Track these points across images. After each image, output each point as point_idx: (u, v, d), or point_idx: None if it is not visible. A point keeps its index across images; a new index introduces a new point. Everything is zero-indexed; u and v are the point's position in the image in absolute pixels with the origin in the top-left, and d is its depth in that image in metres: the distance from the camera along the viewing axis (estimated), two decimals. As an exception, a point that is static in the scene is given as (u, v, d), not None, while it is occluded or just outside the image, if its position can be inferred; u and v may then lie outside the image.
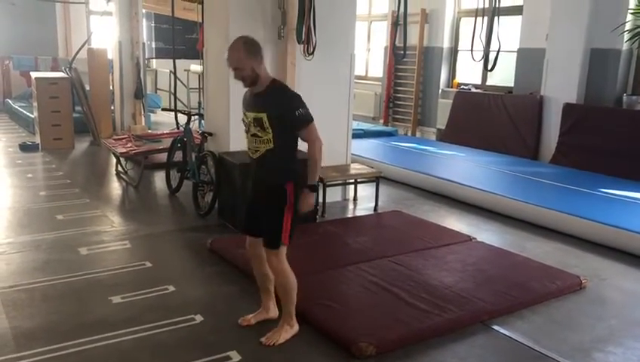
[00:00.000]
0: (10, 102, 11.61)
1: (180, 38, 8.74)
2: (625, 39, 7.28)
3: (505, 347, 3.30)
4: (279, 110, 3.08)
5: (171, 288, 3.88)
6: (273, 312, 3.43)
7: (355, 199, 6.31)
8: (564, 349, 3.26)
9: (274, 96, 3.12)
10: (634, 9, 7.11)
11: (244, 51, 3.05)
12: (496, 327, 3.47)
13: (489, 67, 5.53)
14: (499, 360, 3.18)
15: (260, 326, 3.35)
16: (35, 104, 8.88)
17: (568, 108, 7.73)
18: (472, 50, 5.50)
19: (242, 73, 3.08)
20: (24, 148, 8.40)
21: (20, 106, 10.89)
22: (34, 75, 9.18)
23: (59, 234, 4.90)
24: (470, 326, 3.45)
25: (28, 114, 10.05)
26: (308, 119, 3.11)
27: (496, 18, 6.05)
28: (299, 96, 3.19)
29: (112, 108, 9.86)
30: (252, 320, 3.40)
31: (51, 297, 3.72)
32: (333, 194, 6.01)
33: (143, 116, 9.76)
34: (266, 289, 3.41)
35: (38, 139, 8.62)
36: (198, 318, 3.46)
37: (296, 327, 3.27)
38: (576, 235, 5.16)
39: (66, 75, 8.96)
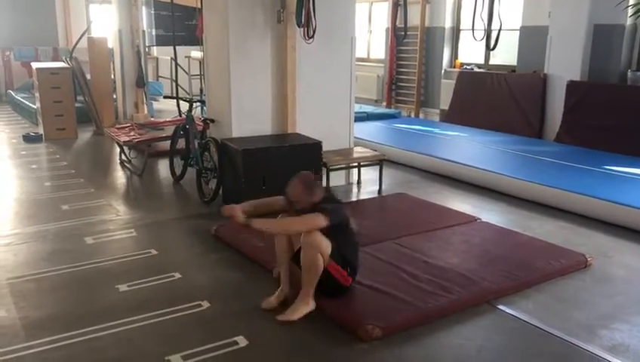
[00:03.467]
0: (12, 93, 11.61)
1: (179, 25, 8.69)
2: (629, 14, 7.20)
3: (510, 326, 3.31)
4: None
5: (177, 275, 3.90)
6: (291, 293, 3.45)
7: (359, 182, 6.31)
8: (569, 327, 3.27)
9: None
10: (638, -17, 7.02)
11: (303, 192, 3.34)
12: (501, 307, 3.48)
13: (491, 46, 5.47)
14: (505, 340, 3.19)
15: (268, 311, 3.37)
16: (36, 95, 8.87)
17: (572, 86, 7.67)
18: (472, 30, 5.44)
19: (300, 205, 3.34)
20: (28, 139, 8.42)
21: (22, 97, 10.89)
22: (35, 65, 9.16)
23: (65, 224, 4.92)
24: (476, 307, 3.46)
25: (30, 105, 10.05)
26: (320, 210, 3.24)
27: (497, -4, 5.98)
28: (338, 205, 3.51)
29: (114, 97, 9.86)
30: (275, 302, 3.42)
31: (59, 287, 3.75)
32: (336, 178, 6.01)
33: (145, 104, 9.75)
34: (287, 268, 3.46)
35: (41, 130, 8.63)
36: (205, 304, 3.48)
37: (312, 304, 3.31)
38: (581, 213, 5.15)
39: (67, 65, 8.95)
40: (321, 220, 3.18)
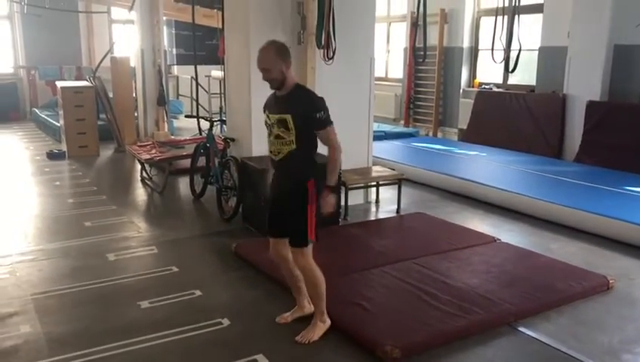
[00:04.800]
0: (36, 111, 11.86)
1: (200, 45, 8.83)
2: (649, 35, 7.17)
3: (531, 349, 3.28)
4: (303, 110, 3.17)
5: (198, 292, 3.94)
6: (308, 309, 3.49)
7: (377, 201, 6.32)
8: (591, 351, 3.23)
9: (298, 98, 3.23)
10: (658, 4, 7.01)
11: (275, 53, 3.19)
12: (522, 329, 3.46)
13: (510, 68, 5.48)
14: (525, 362, 3.17)
15: (288, 329, 3.39)
16: (60, 112, 9.06)
17: (592, 106, 7.64)
18: (492, 51, 5.47)
19: (271, 75, 3.20)
20: (51, 156, 8.58)
21: (46, 115, 11.11)
22: (59, 84, 9.37)
23: (87, 241, 5.00)
24: (496, 328, 3.44)
25: (54, 122, 10.25)
26: (328, 122, 3.21)
27: (516, 17, 6.01)
28: (322, 99, 3.28)
29: (136, 115, 10.01)
30: (289, 318, 3.48)
31: (81, 303, 3.81)
32: (355, 197, 6.03)
33: (165, 122, 9.89)
34: (298, 288, 3.48)
35: (64, 147, 8.79)
36: (225, 322, 3.51)
37: (328, 322, 3.34)
38: (602, 235, 5.10)
39: (90, 84, 9.13)
40: (334, 129, 3.21)
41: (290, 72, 3.25)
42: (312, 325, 3.33)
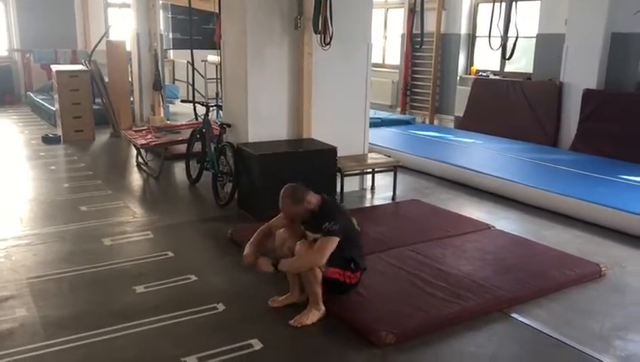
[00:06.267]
0: (31, 94, 11.79)
1: (196, 29, 8.78)
2: (647, 23, 7.17)
3: (524, 335, 3.32)
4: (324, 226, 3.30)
5: (193, 277, 3.96)
6: (300, 298, 3.51)
7: (372, 188, 6.33)
8: (583, 337, 3.27)
9: (323, 218, 3.32)
10: (656, -8, 6.99)
11: (292, 203, 3.36)
12: (515, 315, 3.49)
13: (507, 56, 5.48)
14: (518, 348, 3.21)
15: (283, 314, 3.41)
16: (55, 96, 9.01)
17: (588, 94, 7.65)
18: (489, 38, 5.46)
19: (301, 217, 3.42)
20: (46, 140, 8.55)
21: (41, 99, 11.04)
22: (55, 68, 9.29)
23: (83, 226, 5.00)
24: (489, 315, 3.47)
25: (49, 106, 10.20)
26: (332, 233, 3.26)
27: (514, 4, 5.99)
28: (341, 212, 3.50)
29: (131, 99, 9.96)
30: (281, 303, 3.52)
31: (77, 287, 3.82)
32: (350, 184, 6.04)
33: (161, 107, 9.85)
34: (293, 275, 3.50)
35: (59, 132, 8.76)
36: (220, 307, 3.53)
37: (323, 309, 3.37)
38: (596, 223, 5.14)
39: (85, 68, 9.08)
40: (334, 241, 3.26)
41: (310, 199, 3.37)
42: (307, 310, 3.36)
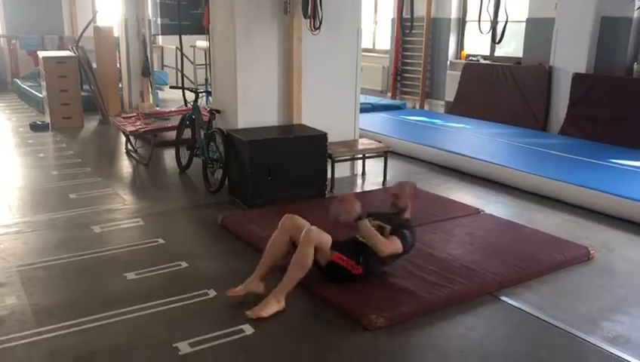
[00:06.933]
0: (18, 81, 11.65)
1: (185, 14, 8.69)
2: (636, 7, 7.18)
3: (513, 317, 3.36)
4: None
5: (184, 264, 3.96)
6: (258, 288, 3.42)
7: (363, 174, 6.34)
8: (571, 318, 3.31)
9: (403, 226, 3.69)
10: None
11: (411, 196, 3.82)
12: (504, 298, 3.53)
13: (497, 40, 5.47)
14: (507, 331, 3.24)
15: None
16: (43, 83, 8.91)
17: (578, 79, 7.67)
18: (479, 22, 5.44)
19: (396, 208, 3.79)
20: (34, 127, 8.47)
21: (28, 86, 10.93)
22: (41, 54, 9.18)
23: (73, 213, 4.98)
24: (478, 298, 3.50)
25: (37, 93, 10.09)
26: (404, 240, 3.57)
27: (504, -12, 5.97)
28: (414, 234, 3.73)
29: (120, 86, 9.88)
30: (238, 293, 3.40)
31: (68, 274, 3.81)
32: (341, 170, 6.04)
33: (150, 94, 9.77)
34: (269, 267, 3.47)
35: (47, 119, 8.68)
36: (211, 293, 3.54)
37: (282, 304, 3.29)
38: (585, 206, 5.18)
39: (73, 54, 8.97)
40: (400, 246, 3.49)
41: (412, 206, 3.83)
42: (265, 301, 3.27)
